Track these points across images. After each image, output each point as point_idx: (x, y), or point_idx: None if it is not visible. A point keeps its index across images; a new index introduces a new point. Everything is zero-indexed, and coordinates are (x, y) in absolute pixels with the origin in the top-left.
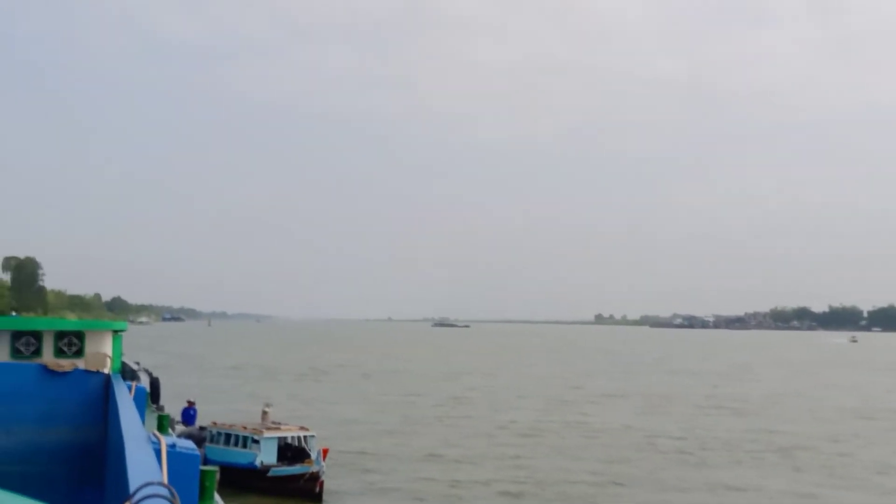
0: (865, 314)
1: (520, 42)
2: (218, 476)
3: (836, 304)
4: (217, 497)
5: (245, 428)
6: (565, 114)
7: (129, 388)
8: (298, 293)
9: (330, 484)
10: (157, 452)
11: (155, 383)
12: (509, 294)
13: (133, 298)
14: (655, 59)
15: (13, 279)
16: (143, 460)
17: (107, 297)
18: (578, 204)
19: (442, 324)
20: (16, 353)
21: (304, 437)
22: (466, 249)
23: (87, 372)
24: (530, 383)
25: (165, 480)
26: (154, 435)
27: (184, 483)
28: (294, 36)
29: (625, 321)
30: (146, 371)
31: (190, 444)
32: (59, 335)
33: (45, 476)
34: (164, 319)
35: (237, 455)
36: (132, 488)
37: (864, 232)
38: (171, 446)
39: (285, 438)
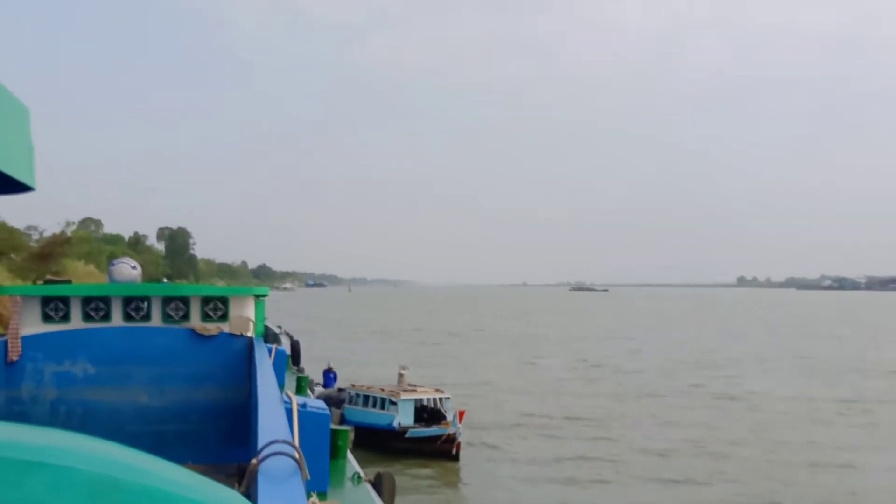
0: None
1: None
2: (352, 436)
3: None
4: (350, 456)
5: (383, 390)
6: (712, 72)
7: (270, 350)
8: (434, 259)
9: (467, 447)
10: (289, 412)
11: (295, 346)
12: (647, 257)
13: (278, 266)
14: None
15: (167, 248)
16: (273, 419)
17: (253, 264)
18: (724, 161)
19: (580, 288)
20: (167, 317)
21: (440, 398)
22: (601, 211)
23: (231, 335)
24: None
25: (295, 439)
26: (287, 395)
27: (314, 441)
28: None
29: (769, 283)
30: (287, 334)
31: (321, 404)
32: (205, 300)
33: (197, 434)
34: (308, 286)
35: (375, 416)
36: (259, 445)
37: None
38: (303, 406)
39: (422, 400)
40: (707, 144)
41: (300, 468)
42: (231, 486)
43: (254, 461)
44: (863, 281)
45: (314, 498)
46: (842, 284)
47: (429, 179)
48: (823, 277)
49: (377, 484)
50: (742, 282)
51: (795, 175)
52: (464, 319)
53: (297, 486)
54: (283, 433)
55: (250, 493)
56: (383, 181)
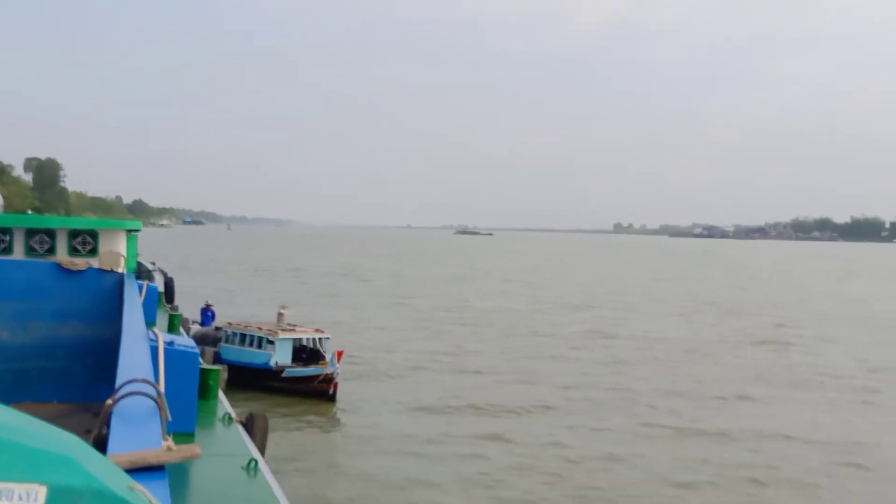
0: (888, 225)
1: None
2: (225, 375)
3: (858, 214)
4: (222, 396)
5: (260, 329)
6: (597, 21)
7: (141, 287)
8: (318, 199)
9: (344, 386)
10: (155, 351)
11: (169, 283)
12: (528, 203)
13: (155, 202)
14: None
15: (34, 180)
16: (134, 358)
17: (129, 199)
18: (603, 113)
19: (464, 231)
20: (30, 251)
21: (320, 339)
22: (485, 158)
23: (100, 271)
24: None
25: (160, 379)
26: (154, 333)
27: (181, 381)
28: None
29: (644, 230)
30: (161, 271)
31: (189, 342)
32: (73, 234)
33: (63, 371)
34: (185, 223)
35: (252, 355)
36: (118, 384)
37: (888, 143)
38: (169, 344)
39: (300, 340)
40: (593, 93)
41: (160, 408)
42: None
43: (109, 401)
44: (731, 230)
45: (169, 441)
46: (711, 233)
47: (315, 119)
48: (695, 225)
49: (248, 425)
50: (618, 228)
51: (672, 124)
52: (347, 259)
53: (154, 428)
54: (145, 372)
55: (105, 434)
56: (268, 117)
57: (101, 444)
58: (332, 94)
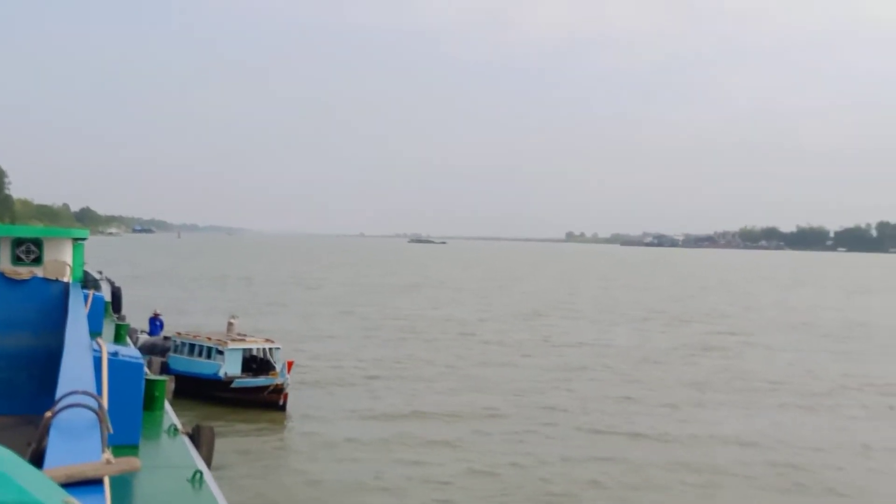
0: (832, 234)
1: None
2: (172, 386)
3: (804, 224)
4: (168, 407)
5: (210, 339)
6: (548, 30)
7: (87, 297)
8: (271, 207)
9: (294, 396)
10: (98, 361)
11: (117, 293)
12: (483, 211)
13: (103, 209)
14: None
15: None
16: (76, 369)
17: (76, 207)
18: (556, 122)
19: (418, 240)
20: None
21: (270, 349)
22: (440, 166)
23: (45, 280)
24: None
25: (104, 389)
26: (98, 343)
27: (125, 392)
28: None
29: (596, 239)
30: (108, 281)
31: (134, 352)
32: (17, 242)
33: (7, 382)
34: (135, 231)
35: (201, 365)
36: (58, 396)
37: (832, 154)
38: (113, 355)
39: (250, 350)
40: (547, 102)
41: (101, 420)
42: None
43: (48, 414)
44: (680, 238)
45: (108, 454)
46: (661, 241)
47: (268, 126)
48: (645, 234)
49: (195, 436)
50: (571, 237)
51: (623, 134)
52: (299, 268)
53: (93, 440)
54: (87, 383)
55: (43, 447)
56: (220, 127)
57: (38, 458)
58: (287, 101)
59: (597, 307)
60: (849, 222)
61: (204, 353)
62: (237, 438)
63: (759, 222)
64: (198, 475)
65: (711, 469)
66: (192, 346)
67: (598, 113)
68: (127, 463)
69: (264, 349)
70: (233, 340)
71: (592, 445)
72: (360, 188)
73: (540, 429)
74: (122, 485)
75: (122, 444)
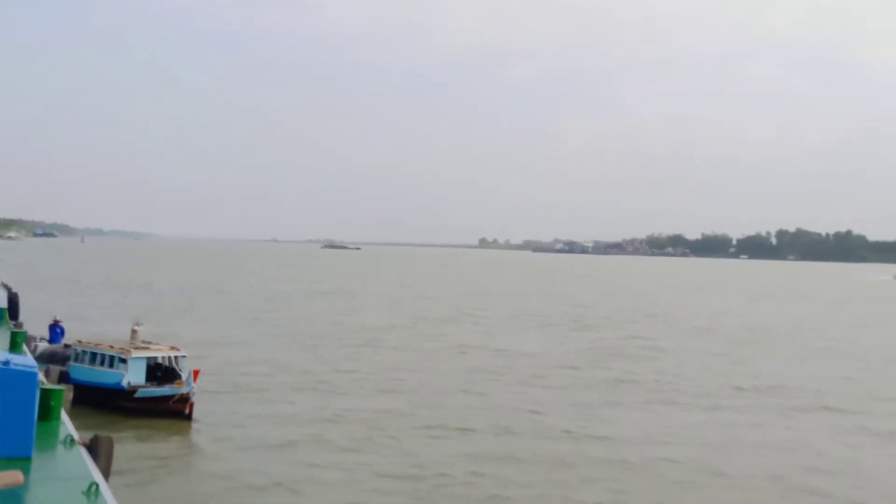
0: (734, 242)
1: None
2: (70, 395)
3: (708, 232)
4: (65, 417)
5: (112, 347)
6: (458, 37)
7: None
8: (179, 211)
9: (201, 405)
10: None
11: (14, 298)
12: (397, 217)
13: (2, 213)
14: None
15: None
16: None
17: None
18: (469, 129)
19: (332, 245)
20: None
21: (176, 357)
22: (354, 171)
23: None
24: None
25: None
26: None
27: (17, 402)
28: None
29: (508, 245)
30: (5, 286)
31: (28, 361)
32: None
33: None
34: (36, 235)
35: (103, 375)
36: None
37: (734, 164)
38: (5, 364)
39: (155, 358)
40: (460, 109)
41: None
42: None
43: None
44: (590, 245)
45: None
46: (572, 248)
47: (177, 130)
48: (556, 241)
49: (93, 447)
50: (483, 243)
51: (535, 142)
52: (207, 275)
53: None
54: None
55: None
56: (127, 129)
57: None
58: (197, 103)
59: (508, 313)
60: (750, 230)
61: (106, 361)
62: (140, 448)
63: (666, 230)
64: (93, 487)
65: (622, 466)
66: (93, 354)
67: (506, 122)
68: (10, 477)
69: (170, 357)
70: (136, 348)
71: (504, 449)
72: (272, 193)
73: (448, 433)
74: (13, 498)
75: (14, 457)
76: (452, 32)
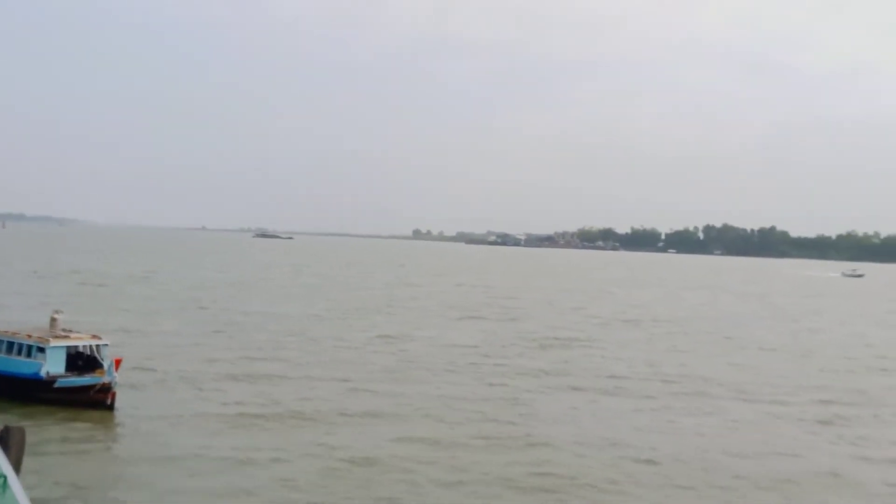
0: (663, 236)
1: None
2: None
3: (638, 226)
4: None
5: (30, 336)
6: (396, 31)
7: None
8: (106, 196)
9: (123, 395)
10: None
11: None
12: (330, 207)
13: None
14: None
15: None
16: None
17: None
18: (405, 120)
19: (264, 235)
20: None
21: (97, 345)
22: (288, 159)
23: None
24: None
25: None
26: None
27: None
28: None
29: (441, 237)
30: None
31: None
32: None
33: None
34: None
35: (20, 364)
36: None
37: (663, 160)
38: None
39: (76, 347)
40: (397, 99)
41: None
42: None
43: None
44: (522, 238)
45: None
46: (505, 240)
47: (105, 110)
48: (489, 233)
49: (3, 439)
50: (417, 234)
51: (470, 135)
52: (133, 262)
53: None
54: None
55: None
56: (53, 108)
57: None
58: (127, 86)
59: (441, 303)
60: (678, 225)
61: (23, 350)
62: (59, 439)
63: (597, 223)
64: (2, 480)
65: (545, 455)
66: (10, 343)
67: (443, 115)
68: None
69: (91, 346)
70: (56, 337)
71: (431, 443)
72: (202, 179)
73: (386, 427)
74: None
75: None
76: (390, 25)
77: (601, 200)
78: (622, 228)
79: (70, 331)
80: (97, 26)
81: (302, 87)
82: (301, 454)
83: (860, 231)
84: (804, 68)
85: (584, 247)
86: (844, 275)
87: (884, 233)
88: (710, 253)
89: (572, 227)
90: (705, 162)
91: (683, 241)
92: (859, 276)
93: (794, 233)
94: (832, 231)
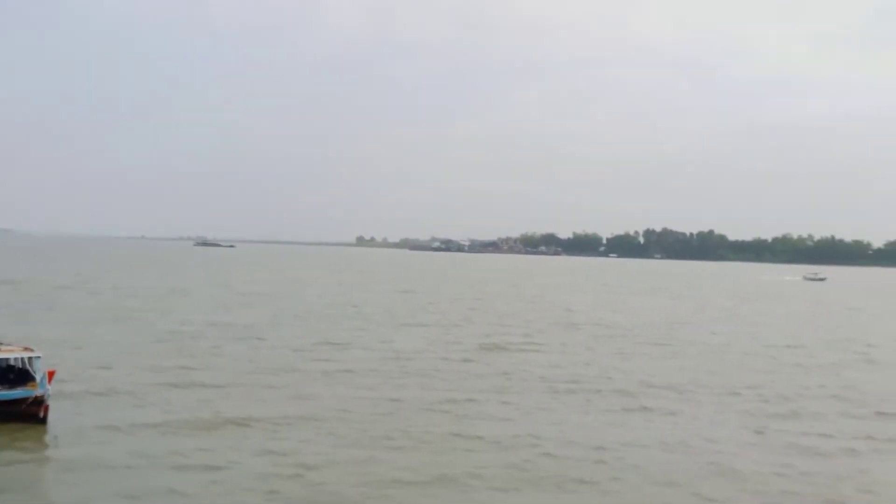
0: (604, 241)
1: None
2: None
3: (580, 231)
4: None
5: None
6: (339, 32)
7: None
8: (43, 206)
9: (57, 408)
10: None
11: None
12: (272, 214)
13: None
14: None
15: None
16: None
17: None
18: (347, 125)
19: (205, 243)
20: None
21: (29, 358)
22: (231, 165)
23: None
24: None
25: None
26: None
27: None
28: None
29: (385, 244)
30: None
31: None
32: None
33: None
34: None
35: None
36: None
37: (604, 165)
38: None
39: (6, 360)
40: (338, 103)
41: None
42: None
43: None
44: (466, 244)
45: None
46: (449, 247)
47: (43, 118)
48: (433, 239)
49: None
50: (361, 241)
51: (413, 140)
52: (68, 272)
53: None
54: None
55: None
56: None
57: None
58: (58, 92)
59: (384, 310)
60: (619, 230)
61: None
62: None
63: (540, 229)
64: None
65: (479, 461)
66: None
67: (386, 119)
68: None
69: (23, 358)
70: None
71: (369, 448)
72: (143, 187)
73: (322, 435)
74: None
75: None
76: (334, 27)
77: (544, 205)
78: (564, 234)
79: (0, 343)
80: (28, 26)
81: (241, 91)
82: (239, 460)
83: (795, 234)
84: (741, 74)
85: (527, 252)
86: (806, 278)
87: (817, 235)
88: (651, 257)
89: (516, 233)
90: (647, 167)
91: (624, 246)
92: (821, 279)
93: (732, 236)
94: (768, 234)
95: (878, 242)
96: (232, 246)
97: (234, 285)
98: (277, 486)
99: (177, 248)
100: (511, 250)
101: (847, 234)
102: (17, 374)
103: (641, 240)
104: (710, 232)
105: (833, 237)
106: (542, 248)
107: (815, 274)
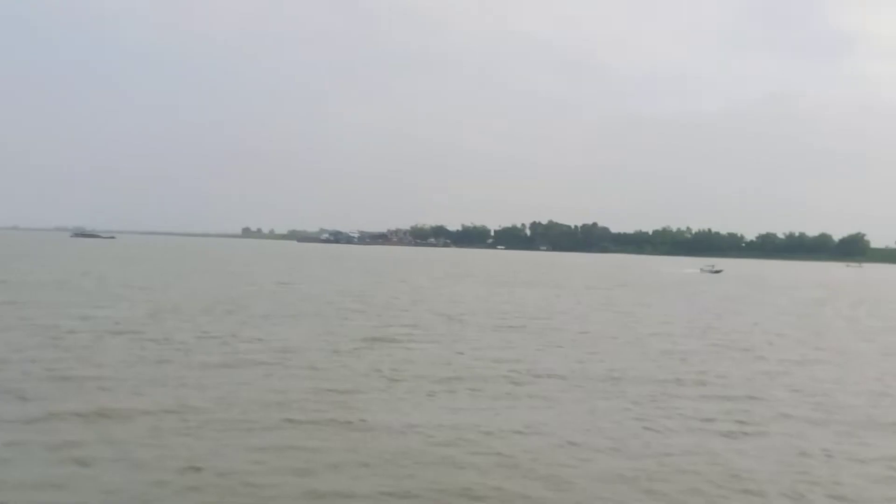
0: (492, 233)
1: None
2: None
3: (468, 223)
4: None
5: None
6: (219, 21)
7: None
8: None
9: None
10: None
11: None
12: (154, 203)
13: None
14: None
15: None
16: None
17: None
18: (233, 113)
19: (83, 234)
20: None
21: None
22: (113, 151)
23: None
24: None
25: None
26: None
27: None
28: None
29: (272, 235)
30: None
31: None
32: None
33: None
34: None
35: None
36: None
37: (492, 157)
38: None
39: None
40: (226, 93)
41: None
42: None
43: None
44: (356, 235)
45: None
46: (338, 238)
47: None
48: (322, 231)
49: None
50: (247, 233)
51: (299, 131)
52: None
53: None
54: None
55: None
56: None
57: None
58: None
59: (275, 302)
60: (506, 222)
61: None
62: None
63: (429, 221)
64: None
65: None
66: None
67: (270, 109)
68: None
69: None
70: None
71: (290, 436)
72: (16, 173)
73: (232, 437)
74: None
75: None
76: (214, 15)
77: (434, 198)
78: (454, 226)
79: None
80: None
81: (120, 80)
82: (118, 456)
83: (674, 227)
84: (623, 69)
85: (416, 244)
86: (703, 270)
87: (694, 228)
88: (537, 248)
89: (405, 225)
90: (534, 160)
91: (511, 238)
92: (717, 271)
93: (615, 229)
94: (648, 227)
95: (749, 235)
96: (112, 237)
97: (114, 277)
98: (163, 477)
99: (51, 239)
100: (401, 242)
101: (722, 228)
102: None
103: (528, 232)
104: (594, 224)
105: (710, 230)
106: (432, 239)
107: (712, 266)
